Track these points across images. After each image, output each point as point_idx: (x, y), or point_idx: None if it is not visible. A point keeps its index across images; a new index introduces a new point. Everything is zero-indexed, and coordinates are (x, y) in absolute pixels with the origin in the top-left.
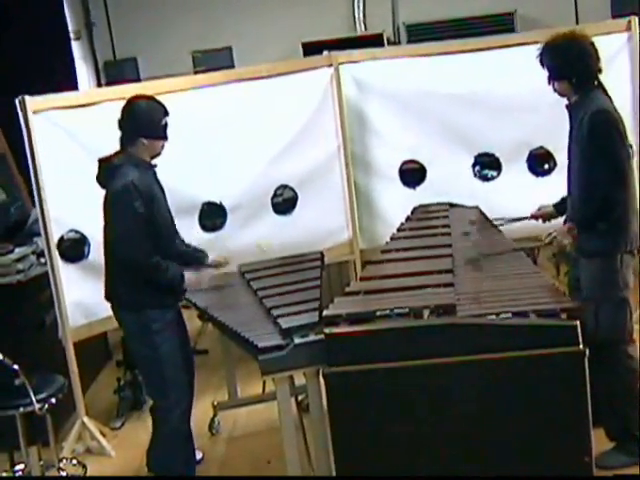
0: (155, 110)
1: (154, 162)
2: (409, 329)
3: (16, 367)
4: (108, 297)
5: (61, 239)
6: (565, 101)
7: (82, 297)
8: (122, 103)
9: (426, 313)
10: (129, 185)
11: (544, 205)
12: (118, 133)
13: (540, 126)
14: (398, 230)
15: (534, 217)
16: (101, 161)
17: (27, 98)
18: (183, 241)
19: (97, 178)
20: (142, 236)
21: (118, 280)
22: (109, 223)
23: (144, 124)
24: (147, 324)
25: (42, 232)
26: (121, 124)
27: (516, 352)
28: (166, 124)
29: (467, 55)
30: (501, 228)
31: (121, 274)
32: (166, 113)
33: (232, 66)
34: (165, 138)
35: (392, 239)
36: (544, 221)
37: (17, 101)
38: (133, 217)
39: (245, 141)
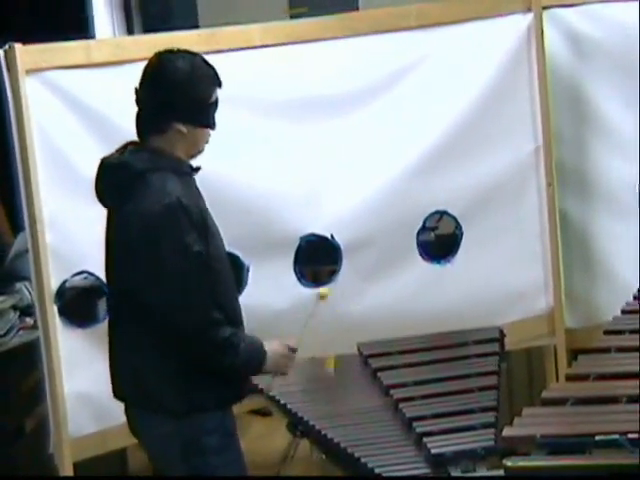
0: (202, 77)
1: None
2: None
3: None
4: (120, 394)
5: (63, 286)
6: None
7: (92, 387)
8: None
9: None
10: (175, 206)
11: None
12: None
13: None
14: (635, 298)
15: None
16: (105, 161)
17: (17, 47)
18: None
19: (99, 190)
20: (202, 293)
21: (147, 365)
22: (135, 270)
23: (184, 100)
24: (197, 437)
25: (32, 274)
26: (142, 97)
27: None
28: (217, 102)
29: None
30: None
31: (155, 356)
32: (218, 82)
33: (355, 7)
34: (213, 125)
35: (624, 312)
36: None
37: (1, 52)
38: (185, 260)
39: (374, 135)
